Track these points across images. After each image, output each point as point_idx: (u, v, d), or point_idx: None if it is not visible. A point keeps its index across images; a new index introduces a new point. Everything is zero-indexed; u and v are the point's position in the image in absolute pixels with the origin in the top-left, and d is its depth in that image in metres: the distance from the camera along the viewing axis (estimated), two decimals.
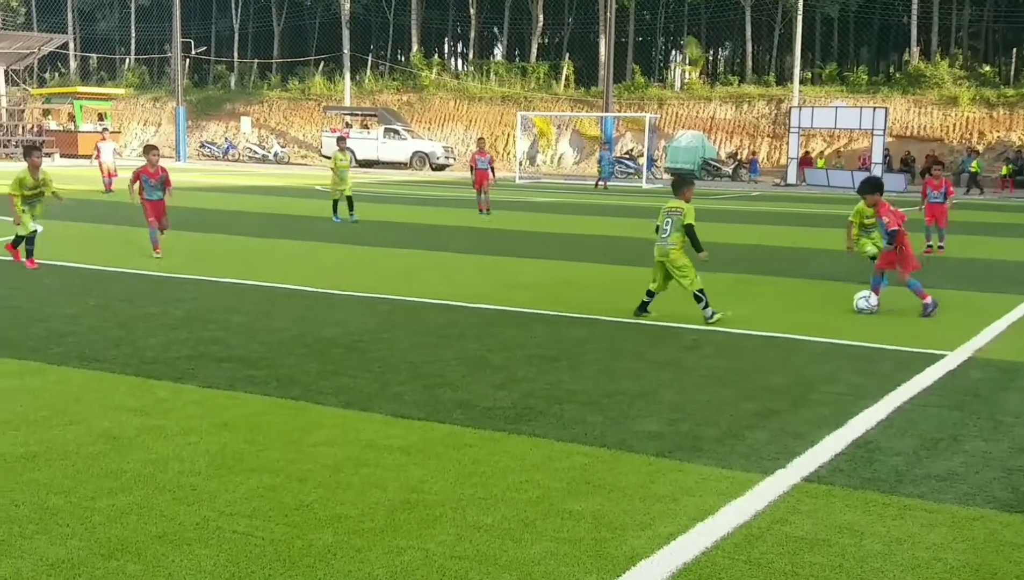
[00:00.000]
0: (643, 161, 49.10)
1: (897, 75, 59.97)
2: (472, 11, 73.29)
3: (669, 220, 10.40)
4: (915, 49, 60.80)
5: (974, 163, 44.86)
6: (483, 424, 6.50)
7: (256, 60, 78.14)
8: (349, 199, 22.32)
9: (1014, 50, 59.67)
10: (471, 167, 26.76)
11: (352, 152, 23.70)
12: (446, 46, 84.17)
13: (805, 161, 50.29)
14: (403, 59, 76.59)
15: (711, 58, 76.76)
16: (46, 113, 64.56)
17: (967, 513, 5.12)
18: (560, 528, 4.79)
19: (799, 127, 48.92)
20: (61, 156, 56.26)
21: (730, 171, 51.77)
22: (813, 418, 6.84)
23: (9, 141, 58.40)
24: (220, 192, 33.09)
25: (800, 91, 56.86)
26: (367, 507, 4.99)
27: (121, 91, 72.67)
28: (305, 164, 63.43)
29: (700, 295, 10.28)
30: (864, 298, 11.21)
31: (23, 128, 60.41)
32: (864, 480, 5.58)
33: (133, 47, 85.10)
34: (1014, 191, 44.95)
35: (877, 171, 43.95)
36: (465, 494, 5.22)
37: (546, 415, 6.76)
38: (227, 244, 17.71)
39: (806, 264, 16.41)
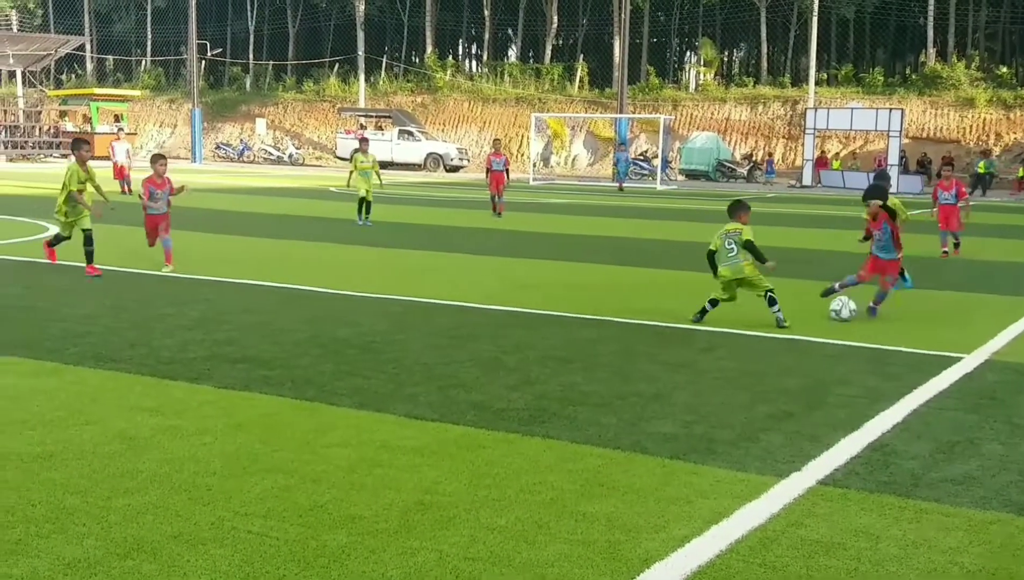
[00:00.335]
0: (657, 162, 49.03)
1: (913, 76, 59.70)
2: (486, 13, 73.32)
3: (732, 241, 10.57)
4: (931, 50, 60.54)
5: (981, 164, 44.69)
6: (497, 425, 6.50)
7: (271, 62, 78.37)
8: (368, 203, 22.08)
9: None
10: (487, 168, 26.71)
11: (374, 155, 23.42)
12: (460, 48, 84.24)
13: (821, 163, 50.12)
14: (417, 61, 76.68)
15: (726, 59, 76.60)
16: (63, 114, 64.84)
17: (984, 517, 5.10)
18: (574, 530, 4.78)
19: (814, 128, 48.75)
20: None
21: (745, 172, 51.66)
22: (828, 421, 6.82)
23: (26, 142, 58.73)
24: (235, 193, 33.19)
25: (816, 92, 56.65)
26: (381, 508, 5.00)
27: (137, 93, 72.95)
28: (320, 165, 63.54)
29: (774, 298, 10.47)
30: (843, 306, 11.06)
31: (40, 129, 60.72)
32: (880, 483, 5.55)
33: (149, 49, 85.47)
34: None
35: (893, 173, 43.83)
36: (479, 495, 5.22)
37: (560, 417, 6.76)
38: (241, 245, 17.75)
39: (821, 266, 16.35)
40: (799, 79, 63.20)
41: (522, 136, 62.26)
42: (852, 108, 49.20)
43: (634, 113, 56.82)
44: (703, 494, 5.32)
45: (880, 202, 11.47)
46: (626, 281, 14.05)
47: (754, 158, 54.56)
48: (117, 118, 62.70)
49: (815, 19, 55.68)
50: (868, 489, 5.45)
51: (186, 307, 10.86)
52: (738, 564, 4.44)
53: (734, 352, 9.19)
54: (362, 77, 70.78)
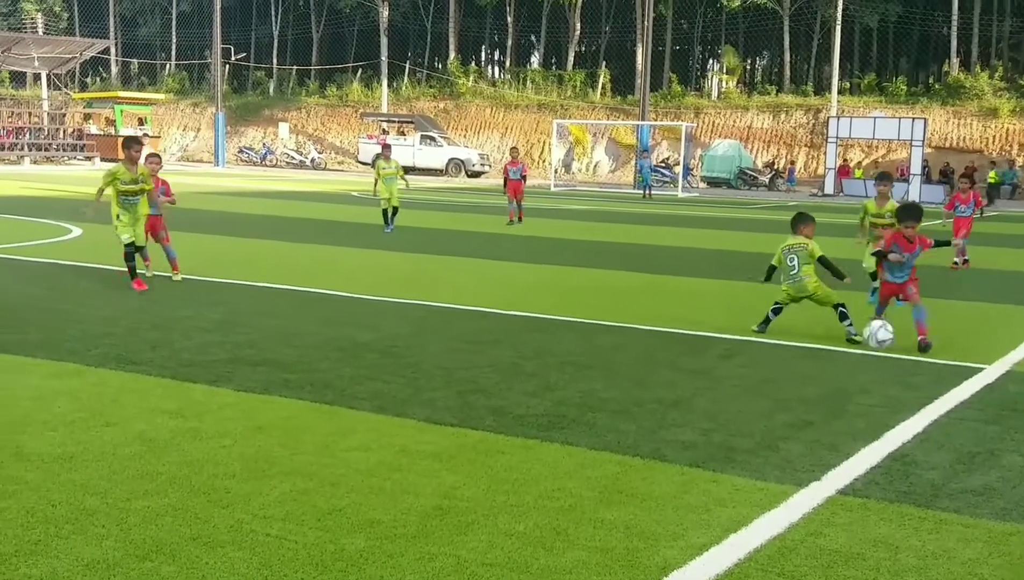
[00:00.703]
0: (679, 170, 48.97)
1: (936, 86, 59.35)
2: (509, 19, 73.38)
3: (795, 256, 10.23)
4: (955, 60, 60.22)
5: (992, 173, 44.46)
6: (516, 431, 6.50)
7: (295, 67, 78.67)
8: (394, 209, 21.94)
9: None
10: (504, 178, 26.66)
11: (397, 161, 23.38)
12: (483, 54, 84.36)
13: (843, 171, 49.95)
14: (440, 66, 76.85)
15: (748, 67, 76.36)
16: (87, 117, 65.30)
17: (1004, 528, 5.06)
18: (592, 537, 4.77)
19: (837, 137, 48.60)
20: (101, 160, 56.89)
21: (767, 181, 51.51)
22: (848, 430, 6.78)
23: (50, 145, 59.18)
24: (257, 197, 33.33)
25: (838, 101, 56.48)
26: (399, 512, 5.00)
27: (161, 96, 73.43)
28: (342, 170, 63.75)
29: (845, 312, 10.08)
30: (882, 328, 9.76)
31: (64, 132, 61.18)
32: (900, 494, 5.52)
33: (174, 53, 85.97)
34: None
35: (915, 183, 43.66)
36: (497, 501, 5.22)
37: (579, 423, 6.75)
38: (261, 248, 17.81)
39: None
40: (822, 88, 62.98)
41: (544, 142, 62.30)
42: (875, 117, 49.04)
43: (656, 120, 56.78)
44: (722, 502, 5.30)
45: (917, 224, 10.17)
46: (646, 287, 14.02)
47: (776, 166, 54.40)
48: (141, 121, 63.16)
49: (838, 28, 55.53)
50: (888, 499, 5.42)
51: (205, 309, 10.91)
52: (756, 573, 4.42)
53: (753, 360, 9.16)
54: (385, 82, 70.99)
